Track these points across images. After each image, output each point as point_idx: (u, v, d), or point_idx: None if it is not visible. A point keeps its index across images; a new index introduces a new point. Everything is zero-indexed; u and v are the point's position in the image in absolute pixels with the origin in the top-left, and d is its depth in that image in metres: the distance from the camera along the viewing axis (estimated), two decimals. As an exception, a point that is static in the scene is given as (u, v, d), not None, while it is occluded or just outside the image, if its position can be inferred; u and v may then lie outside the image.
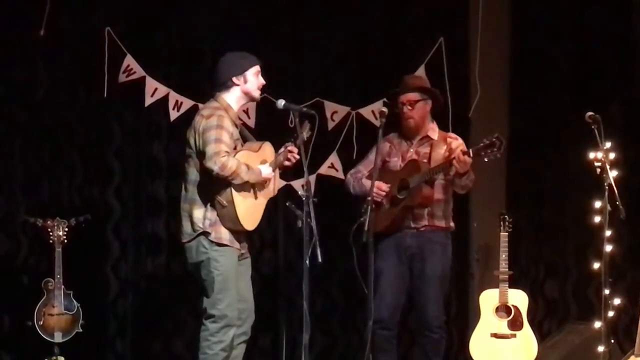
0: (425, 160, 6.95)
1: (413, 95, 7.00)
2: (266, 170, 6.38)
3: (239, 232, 6.37)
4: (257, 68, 6.43)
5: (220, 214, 6.29)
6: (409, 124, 7.02)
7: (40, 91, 7.63)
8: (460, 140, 7.04)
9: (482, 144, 6.78)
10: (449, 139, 7.05)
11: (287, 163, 6.46)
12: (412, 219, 6.97)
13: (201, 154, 6.25)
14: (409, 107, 6.99)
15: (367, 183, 6.95)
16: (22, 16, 7.52)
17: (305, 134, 6.37)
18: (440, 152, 6.98)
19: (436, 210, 7.00)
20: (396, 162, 7.04)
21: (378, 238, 6.78)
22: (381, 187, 6.90)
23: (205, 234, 6.29)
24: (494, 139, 6.75)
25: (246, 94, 6.43)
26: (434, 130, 7.09)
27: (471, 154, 6.77)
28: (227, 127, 6.29)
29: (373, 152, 7.01)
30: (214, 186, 6.27)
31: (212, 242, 6.29)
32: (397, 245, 6.95)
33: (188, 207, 6.35)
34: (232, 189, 6.25)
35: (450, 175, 6.92)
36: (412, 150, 7.05)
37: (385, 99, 7.54)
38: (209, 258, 6.30)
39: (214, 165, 6.17)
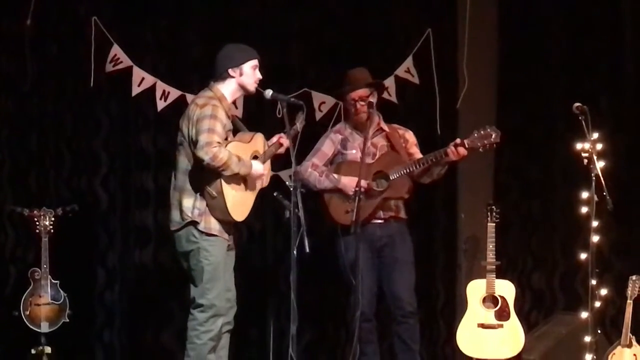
0: (395, 152, 7.00)
1: (363, 92, 7.03)
2: (257, 167, 6.35)
3: (228, 223, 6.35)
4: (254, 62, 6.39)
5: (210, 205, 6.25)
6: (361, 119, 7.05)
7: (27, 81, 7.60)
8: (410, 131, 7.15)
9: (476, 134, 6.83)
10: (400, 131, 7.15)
11: (280, 151, 6.45)
12: (382, 210, 7.01)
13: (193, 143, 6.22)
14: (362, 103, 7.02)
15: (340, 177, 6.96)
16: (9, 6, 7.49)
17: (299, 124, 6.36)
18: (400, 142, 7.04)
19: (400, 201, 7.06)
20: (355, 155, 7.04)
21: (348, 231, 6.80)
22: (362, 184, 6.85)
23: (194, 223, 6.26)
24: (489, 130, 6.80)
25: (241, 86, 6.39)
26: (382, 122, 7.12)
27: (466, 145, 6.81)
28: (221, 117, 6.26)
29: (324, 144, 7.12)
30: (204, 176, 6.24)
31: (201, 232, 6.27)
32: (367, 237, 6.95)
33: (178, 195, 6.31)
34: (222, 180, 6.21)
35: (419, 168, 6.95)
36: (368, 142, 7.00)
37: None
38: (199, 247, 6.27)
39: (205, 155, 6.13)
